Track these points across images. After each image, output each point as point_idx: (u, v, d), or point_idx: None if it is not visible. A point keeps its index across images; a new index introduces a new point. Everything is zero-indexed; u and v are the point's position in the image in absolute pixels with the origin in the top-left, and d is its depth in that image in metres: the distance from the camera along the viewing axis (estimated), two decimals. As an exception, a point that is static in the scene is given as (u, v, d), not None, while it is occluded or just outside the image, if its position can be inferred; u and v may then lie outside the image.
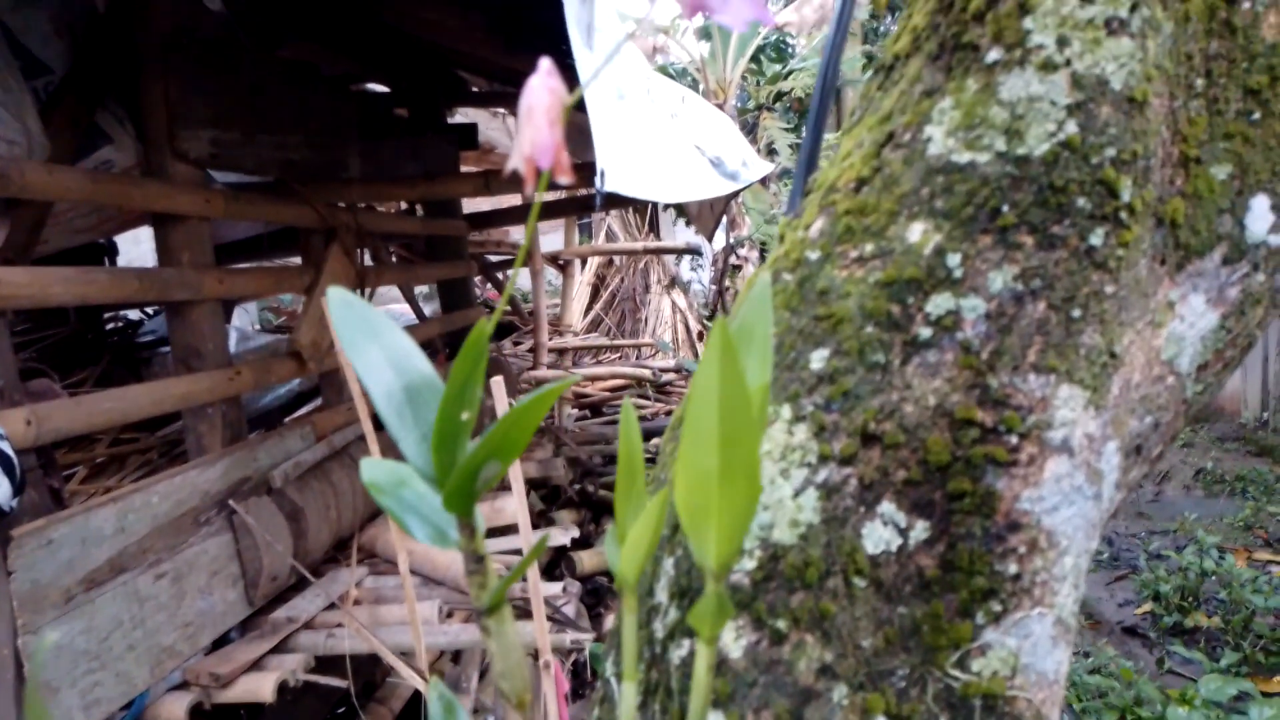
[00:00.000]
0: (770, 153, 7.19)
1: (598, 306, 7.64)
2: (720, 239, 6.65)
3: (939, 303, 0.63)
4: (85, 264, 3.11)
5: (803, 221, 0.73)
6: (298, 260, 2.97)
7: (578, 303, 6.87)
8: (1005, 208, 0.63)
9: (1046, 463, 0.61)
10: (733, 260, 6.67)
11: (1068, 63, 0.63)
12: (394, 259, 4.40)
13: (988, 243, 0.63)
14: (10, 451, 1.51)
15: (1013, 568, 0.60)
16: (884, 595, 0.60)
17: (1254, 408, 5.91)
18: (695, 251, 6.11)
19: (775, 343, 0.67)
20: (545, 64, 0.41)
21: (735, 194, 4.13)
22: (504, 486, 3.18)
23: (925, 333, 0.63)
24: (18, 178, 1.68)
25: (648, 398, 5.67)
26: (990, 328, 0.62)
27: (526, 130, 0.39)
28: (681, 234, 8.20)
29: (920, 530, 0.61)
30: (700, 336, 6.33)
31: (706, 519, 0.42)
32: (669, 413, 5.51)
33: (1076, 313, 0.62)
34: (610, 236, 7.87)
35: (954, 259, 0.63)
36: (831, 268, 0.68)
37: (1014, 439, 0.61)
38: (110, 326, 3.48)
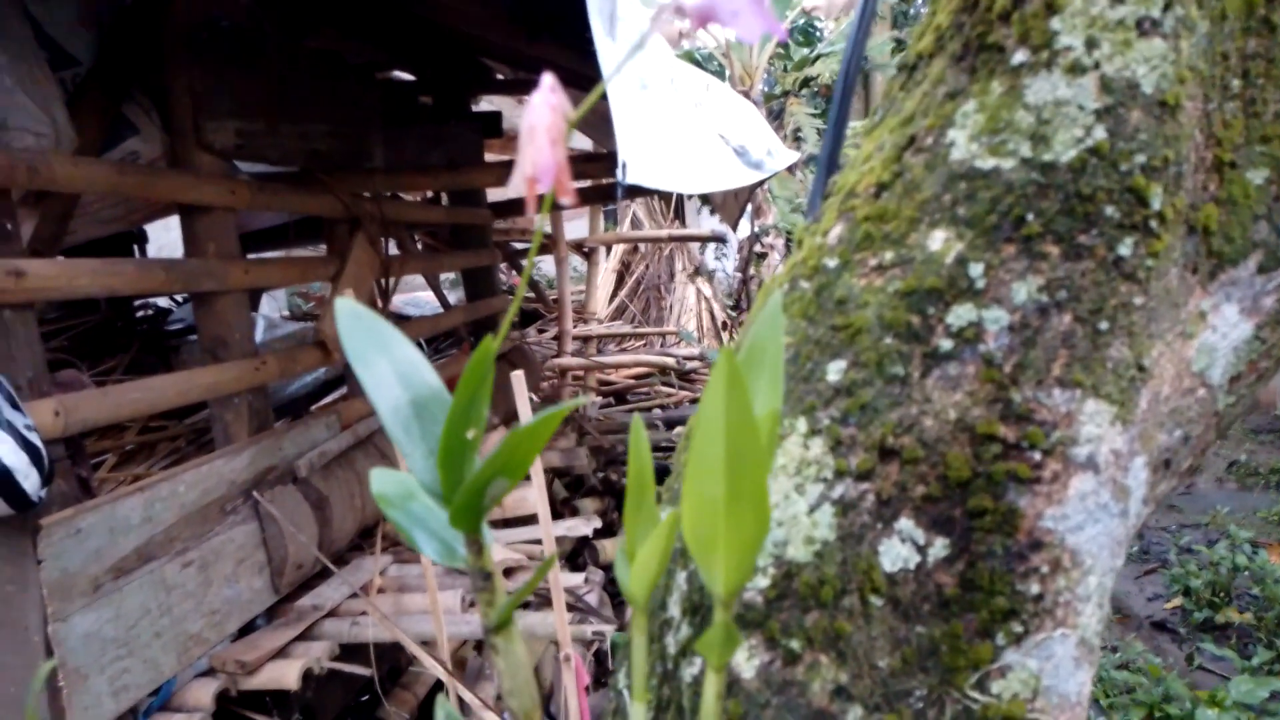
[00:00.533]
0: (797, 139, 7.12)
1: (623, 293, 7.63)
2: (745, 227, 6.61)
3: (961, 314, 0.61)
4: (114, 253, 3.15)
5: (821, 227, 0.71)
6: (323, 248, 2.99)
7: (602, 290, 6.86)
8: (1030, 216, 0.61)
9: (1071, 480, 0.59)
10: (757, 248, 6.62)
11: (1096, 65, 0.61)
12: (419, 247, 4.42)
13: (1012, 252, 0.61)
14: (39, 442, 1.53)
15: (1035, 588, 0.59)
16: (901, 614, 0.59)
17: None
18: (720, 239, 6.07)
19: (791, 353, 0.65)
20: (548, 80, 0.39)
21: (760, 183, 4.10)
22: (526, 474, 3.20)
23: (946, 345, 0.61)
24: (45, 170, 1.69)
25: (672, 385, 5.66)
26: (1014, 340, 0.60)
27: (528, 150, 0.38)
28: (707, 221, 8.15)
29: (939, 548, 0.60)
30: (724, 325, 6.30)
31: (714, 548, 0.41)
32: (694, 400, 5.49)
33: (1104, 325, 0.60)
34: (635, 223, 7.85)
35: (976, 269, 0.61)
36: (850, 276, 0.66)
37: (1037, 455, 0.59)
38: (140, 314, 3.52)
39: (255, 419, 2.31)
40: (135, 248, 3.45)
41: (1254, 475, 4.87)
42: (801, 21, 8.58)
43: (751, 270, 6.35)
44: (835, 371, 0.63)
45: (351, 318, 0.55)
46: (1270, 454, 5.16)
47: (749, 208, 6.03)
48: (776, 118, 7.63)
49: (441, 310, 4.51)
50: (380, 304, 3.09)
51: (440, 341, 4.50)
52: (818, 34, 8.74)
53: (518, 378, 1.59)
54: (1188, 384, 0.66)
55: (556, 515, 3.34)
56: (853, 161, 0.75)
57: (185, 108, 2.15)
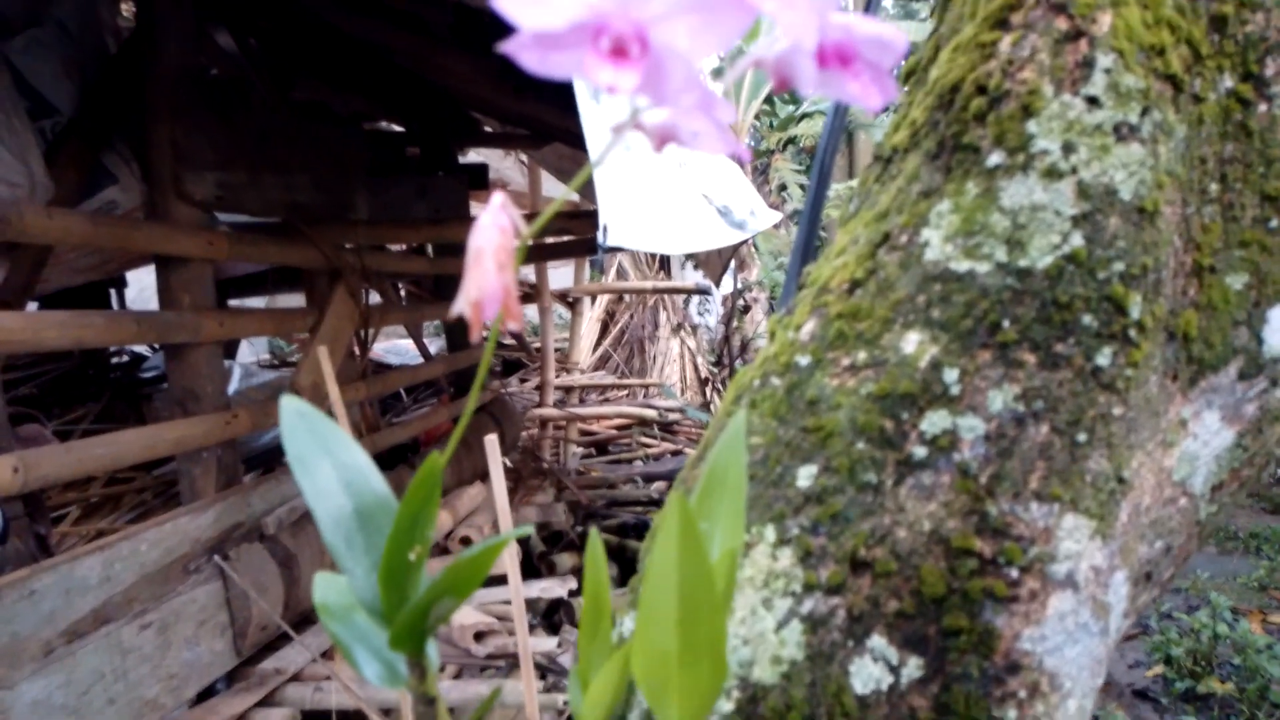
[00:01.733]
0: (782, 195, 7.19)
1: (606, 343, 7.62)
2: (729, 282, 6.63)
3: (935, 421, 0.59)
4: (90, 298, 3.11)
5: (794, 320, 0.70)
6: (301, 297, 2.96)
7: (586, 340, 6.85)
8: (1006, 322, 0.59)
9: (1049, 599, 0.57)
10: (741, 303, 6.64)
11: (1074, 170, 0.60)
12: (402, 295, 4.39)
13: (987, 359, 0.59)
14: (-7, 503, 1.48)
15: (1012, 713, 0.56)
16: (871, 740, 0.56)
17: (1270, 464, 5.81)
18: (705, 292, 6.09)
19: (760, 455, 0.63)
20: (497, 199, 0.37)
21: (743, 241, 4.12)
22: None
23: (920, 452, 0.59)
24: (16, 221, 1.66)
25: (654, 436, 5.62)
26: (990, 450, 0.58)
27: (474, 274, 0.36)
28: (692, 274, 8.20)
29: (913, 668, 0.57)
30: (707, 381, 6.29)
31: (667, 697, 0.38)
32: (675, 453, 5.46)
33: (1082, 437, 0.58)
34: (621, 273, 7.87)
35: (951, 374, 0.60)
36: (822, 375, 0.64)
37: (1015, 572, 0.57)
38: (115, 360, 3.47)
39: (224, 474, 2.26)
40: (113, 293, 3.41)
41: (1233, 539, 4.86)
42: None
43: (735, 324, 6.35)
44: (806, 477, 0.61)
45: (295, 416, 0.52)
46: (1249, 518, 5.16)
47: (732, 263, 6.06)
48: (762, 174, 7.72)
49: (422, 360, 4.48)
50: (359, 354, 3.05)
51: (420, 391, 4.46)
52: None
53: (491, 442, 1.55)
54: (1169, 494, 0.64)
55: (533, 570, 3.28)
56: (827, 253, 0.74)
57: (165, 158, 2.13)
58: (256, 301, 4.78)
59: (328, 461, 0.51)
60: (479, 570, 0.44)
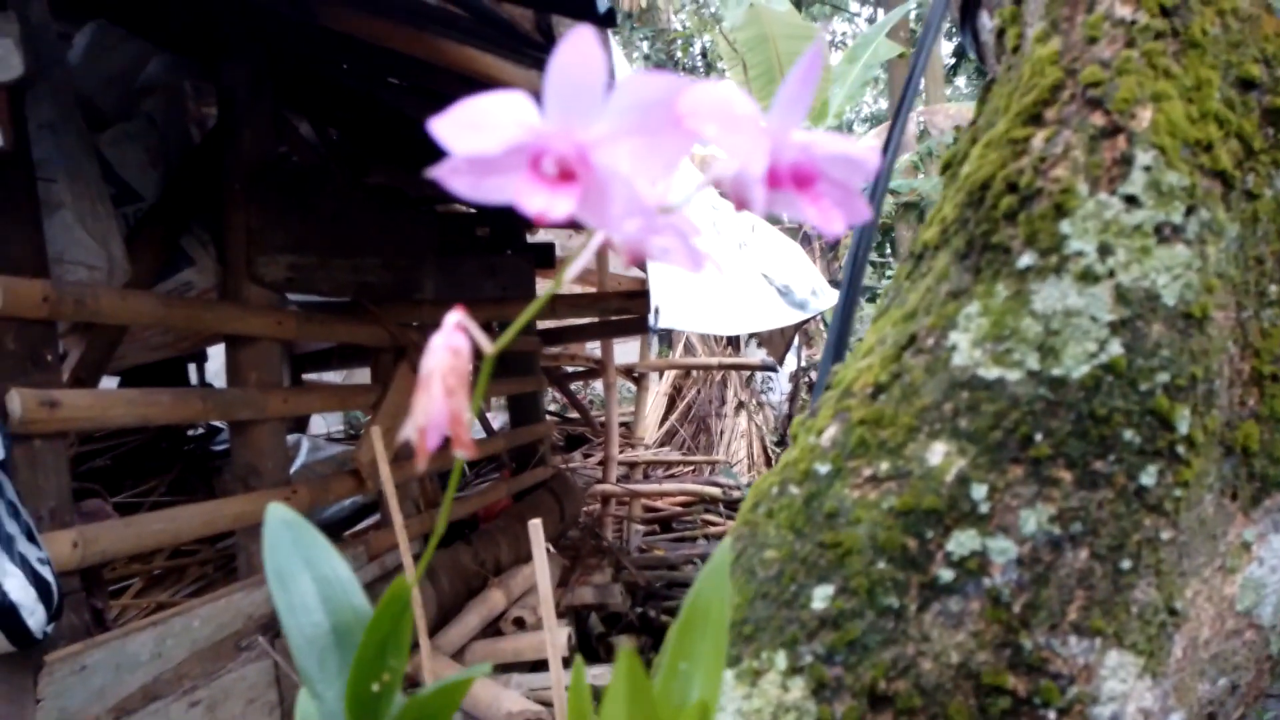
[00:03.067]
0: (851, 271, 7.12)
1: (673, 418, 7.58)
2: (792, 360, 6.56)
3: (963, 541, 0.55)
4: (168, 373, 3.22)
5: (816, 424, 0.66)
6: (367, 373, 3.02)
7: (652, 414, 6.83)
8: (1039, 436, 0.55)
9: (1090, 747, 0.51)
10: (805, 380, 6.55)
11: (1111, 274, 0.56)
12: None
13: (1019, 474, 0.55)
14: (51, 577, 1.51)
15: None
16: None
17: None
18: (772, 368, 6.02)
19: (775, 570, 0.59)
20: (451, 319, 0.36)
21: (805, 321, 4.07)
22: (557, 611, 3.09)
23: (946, 575, 0.55)
24: (92, 303, 1.74)
25: (719, 514, 5.52)
26: (1023, 576, 0.53)
27: (421, 398, 0.34)
28: (757, 350, 8.15)
29: (935, 819, 0.51)
30: (768, 461, 6.18)
31: None
32: (740, 533, 5.33)
33: (1126, 564, 0.53)
34: (689, 348, 7.86)
35: (980, 490, 0.55)
36: (842, 485, 0.60)
37: (1052, 714, 0.51)
38: (190, 433, 3.58)
39: (280, 550, 2.27)
40: (194, 367, 3.53)
41: None
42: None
43: (798, 402, 6.26)
44: (822, 598, 0.57)
45: (280, 527, 0.51)
46: None
47: (797, 340, 6.00)
48: (832, 249, 7.69)
49: (485, 435, 4.51)
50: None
51: (484, 466, 4.48)
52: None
53: (535, 526, 1.52)
54: (1232, 625, 0.58)
55: (591, 652, 3.21)
56: (855, 353, 0.70)
57: (240, 242, 2.21)
58: (334, 376, 4.91)
59: (308, 575, 0.49)
60: (446, 706, 0.41)
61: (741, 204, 0.31)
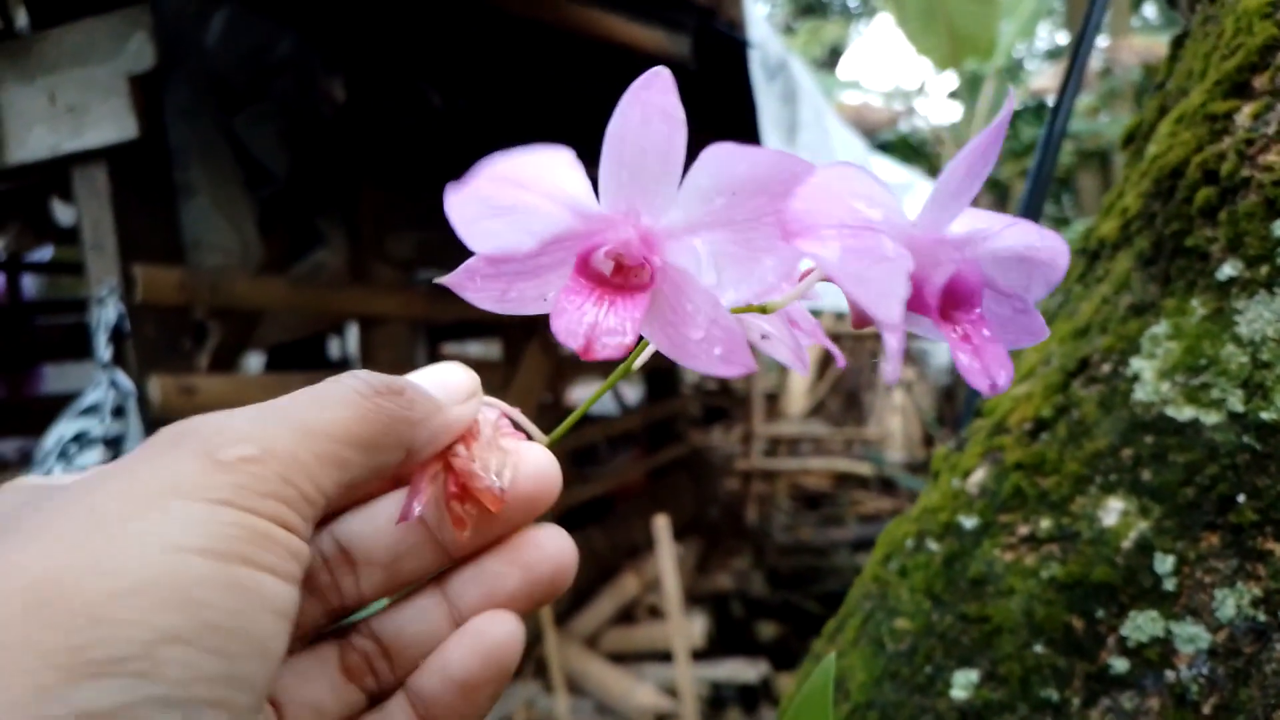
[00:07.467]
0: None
1: (822, 389, 7.38)
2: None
3: (1141, 624, 0.45)
4: (308, 350, 3.37)
5: (963, 463, 0.57)
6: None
7: (799, 386, 6.68)
8: (1242, 497, 0.44)
9: None
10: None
11: (1347, 290, 0.44)
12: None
13: (1215, 544, 0.44)
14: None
15: None
16: None
17: None
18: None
19: (907, 645, 0.51)
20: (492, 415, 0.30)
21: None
22: (693, 597, 3.06)
23: (1120, 665, 0.45)
24: (226, 288, 1.80)
25: (870, 494, 5.33)
26: (1216, 671, 0.43)
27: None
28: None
29: None
30: (927, 440, 5.88)
31: None
32: (894, 512, 5.14)
33: (1366, 665, 0.42)
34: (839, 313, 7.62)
35: (1165, 562, 0.45)
36: (991, 545, 0.51)
37: None
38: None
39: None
40: (336, 341, 3.69)
41: None
42: (1035, 103, 8.12)
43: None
44: (964, 685, 0.48)
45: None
46: None
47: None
48: (1001, 204, 7.22)
49: (619, 410, 4.50)
50: (553, 399, 3.11)
51: (621, 443, 4.49)
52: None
53: (661, 524, 1.48)
54: None
55: (731, 641, 3.16)
56: (1014, 368, 0.60)
57: (370, 221, 2.27)
58: (475, 347, 5.02)
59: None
60: None
61: (862, 321, 0.23)
